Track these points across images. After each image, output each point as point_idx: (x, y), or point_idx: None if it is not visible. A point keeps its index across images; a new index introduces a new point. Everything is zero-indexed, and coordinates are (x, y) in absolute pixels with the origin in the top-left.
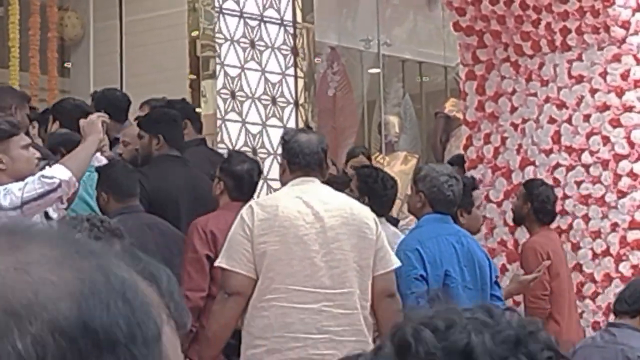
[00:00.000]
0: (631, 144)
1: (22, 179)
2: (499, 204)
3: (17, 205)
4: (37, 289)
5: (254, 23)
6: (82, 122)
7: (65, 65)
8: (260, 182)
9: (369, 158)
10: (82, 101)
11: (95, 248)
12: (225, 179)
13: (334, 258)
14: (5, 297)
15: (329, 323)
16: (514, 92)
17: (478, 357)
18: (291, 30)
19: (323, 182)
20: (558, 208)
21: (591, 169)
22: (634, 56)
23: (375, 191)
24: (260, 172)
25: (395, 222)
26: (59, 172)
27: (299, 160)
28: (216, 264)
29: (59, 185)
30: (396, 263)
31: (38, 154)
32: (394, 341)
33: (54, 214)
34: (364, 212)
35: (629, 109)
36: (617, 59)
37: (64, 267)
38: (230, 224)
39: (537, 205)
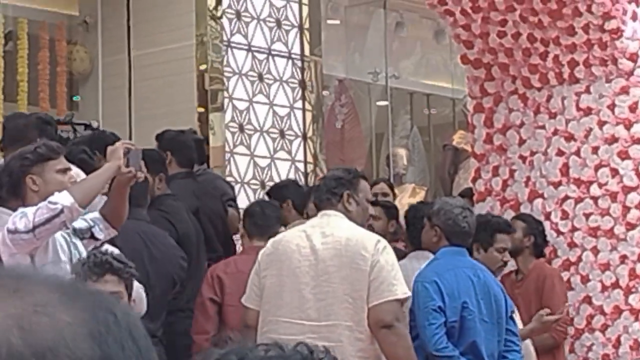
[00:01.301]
0: None
1: None
2: None
3: (30, 228)
4: (59, 331)
5: (262, 56)
6: (109, 148)
7: (74, 99)
8: None
9: (391, 187)
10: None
11: (92, 289)
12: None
13: (321, 290)
14: (31, 339)
15: None
16: (522, 124)
17: None
18: (299, 63)
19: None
20: (567, 240)
21: (600, 201)
22: None
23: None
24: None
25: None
26: (62, 198)
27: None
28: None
29: (62, 211)
30: (399, 294)
31: (75, 179)
32: None
33: (100, 235)
34: (363, 243)
35: (637, 141)
36: (625, 91)
37: (74, 308)
38: (241, 268)
39: (540, 240)
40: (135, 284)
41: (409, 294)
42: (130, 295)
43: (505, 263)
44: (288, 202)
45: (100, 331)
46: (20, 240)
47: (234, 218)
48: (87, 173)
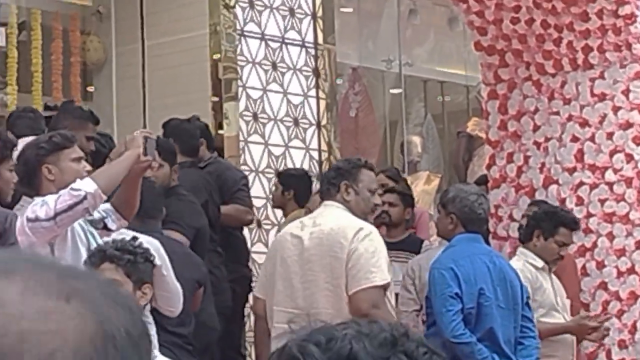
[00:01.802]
0: None
1: None
2: None
3: (51, 216)
4: (124, 310)
5: (275, 45)
6: (127, 137)
7: (88, 89)
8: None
9: (394, 179)
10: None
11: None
12: None
13: (307, 279)
14: (131, 318)
15: None
16: (536, 110)
17: None
18: (312, 51)
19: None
20: (582, 226)
21: (615, 187)
22: None
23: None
24: None
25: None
26: (85, 184)
27: None
28: None
29: (85, 198)
30: (378, 280)
31: (89, 167)
32: (282, 359)
33: (112, 225)
34: (344, 232)
35: None
36: (639, 76)
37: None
38: None
39: None
40: (174, 282)
41: (389, 279)
42: (144, 282)
43: (562, 257)
44: (291, 191)
45: (131, 306)
46: (40, 229)
47: (238, 212)
48: (95, 163)
